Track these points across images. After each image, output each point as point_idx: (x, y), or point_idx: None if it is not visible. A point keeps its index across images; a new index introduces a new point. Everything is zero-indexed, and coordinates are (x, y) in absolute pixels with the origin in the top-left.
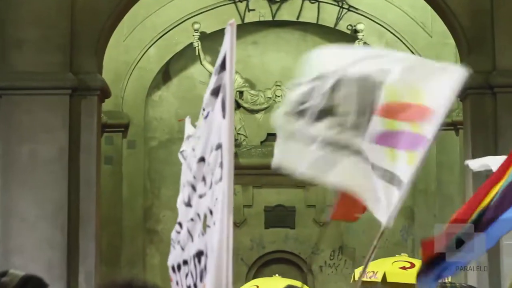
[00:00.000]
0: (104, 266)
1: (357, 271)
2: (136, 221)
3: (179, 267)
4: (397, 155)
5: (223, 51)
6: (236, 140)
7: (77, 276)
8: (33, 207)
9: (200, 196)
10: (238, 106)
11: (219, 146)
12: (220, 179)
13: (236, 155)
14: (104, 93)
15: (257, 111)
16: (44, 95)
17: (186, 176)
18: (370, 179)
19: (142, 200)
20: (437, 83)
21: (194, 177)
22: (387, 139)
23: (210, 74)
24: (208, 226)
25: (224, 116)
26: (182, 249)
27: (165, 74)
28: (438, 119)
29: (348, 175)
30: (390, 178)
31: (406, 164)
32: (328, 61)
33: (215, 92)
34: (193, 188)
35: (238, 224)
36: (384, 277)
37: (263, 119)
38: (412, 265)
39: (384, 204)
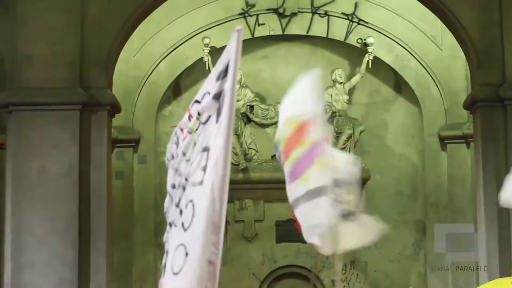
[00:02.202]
0: (115, 281)
1: None
2: (148, 236)
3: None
4: (307, 175)
5: (226, 55)
6: (246, 154)
7: None
8: (44, 223)
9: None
10: (248, 120)
11: (205, 149)
12: (200, 183)
13: (247, 169)
14: (114, 108)
15: (267, 125)
16: (54, 111)
17: (173, 179)
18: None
19: (153, 215)
20: (299, 95)
21: (186, 179)
22: (295, 172)
23: None
24: (175, 226)
25: (217, 121)
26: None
27: (176, 89)
28: (317, 120)
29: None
30: (315, 194)
31: (320, 171)
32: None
33: (217, 97)
34: (184, 189)
35: (249, 239)
36: None
37: (274, 133)
38: None
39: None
